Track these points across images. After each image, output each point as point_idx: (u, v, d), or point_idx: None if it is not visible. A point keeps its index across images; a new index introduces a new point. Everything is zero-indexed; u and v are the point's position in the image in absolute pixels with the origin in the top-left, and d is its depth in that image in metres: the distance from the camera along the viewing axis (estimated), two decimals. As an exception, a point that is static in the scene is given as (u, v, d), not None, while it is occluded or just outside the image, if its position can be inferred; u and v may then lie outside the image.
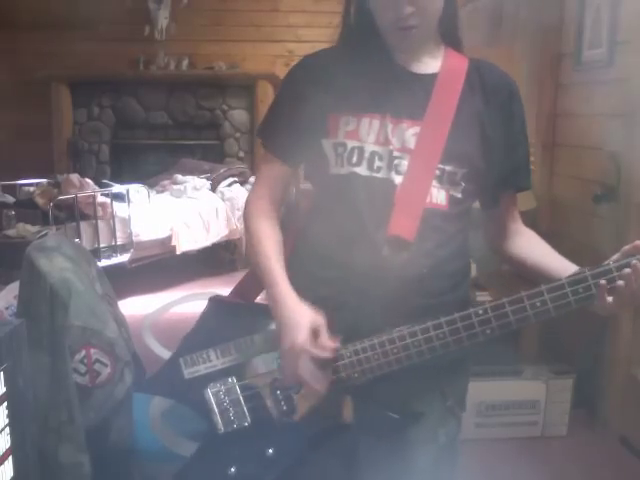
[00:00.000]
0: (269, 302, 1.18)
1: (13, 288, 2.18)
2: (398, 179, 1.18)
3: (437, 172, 1.18)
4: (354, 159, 1.19)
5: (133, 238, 4.30)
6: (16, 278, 1.81)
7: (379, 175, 1.18)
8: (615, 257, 1.09)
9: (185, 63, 5.71)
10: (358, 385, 1.13)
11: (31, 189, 4.54)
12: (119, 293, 1.86)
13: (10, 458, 0.87)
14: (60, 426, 1.44)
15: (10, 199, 4.56)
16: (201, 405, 1.19)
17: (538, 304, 1.07)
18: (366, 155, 1.19)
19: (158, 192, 4.97)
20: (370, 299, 1.15)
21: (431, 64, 1.24)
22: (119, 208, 4.26)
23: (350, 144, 1.20)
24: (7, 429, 0.86)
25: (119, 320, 1.66)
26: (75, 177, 4.47)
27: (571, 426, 2.47)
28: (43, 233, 3.77)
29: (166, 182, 5.13)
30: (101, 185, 4.60)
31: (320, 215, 1.27)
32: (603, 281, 1.05)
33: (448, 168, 1.19)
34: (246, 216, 1.31)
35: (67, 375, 1.47)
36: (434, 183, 1.18)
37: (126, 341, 1.60)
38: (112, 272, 3.16)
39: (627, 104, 2.30)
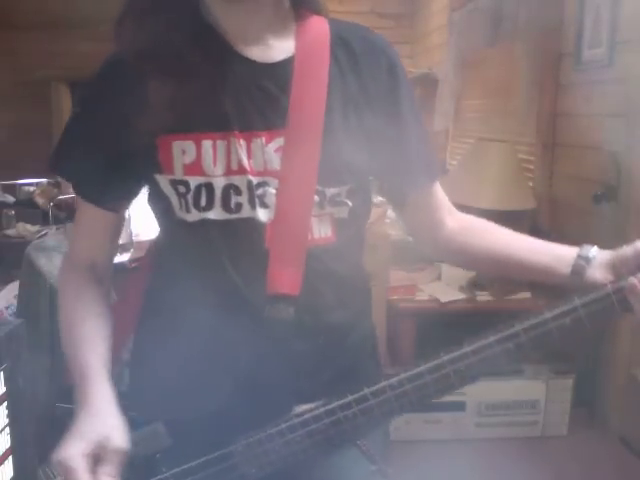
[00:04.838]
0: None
1: (13, 288, 2.18)
2: (266, 215, 0.88)
3: (316, 198, 0.89)
4: (203, 201, 0.88)
5: (133, 238, 4.29)
6: (16, 278, 1.82)
7: (240, 215, 0.88)
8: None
9: (185, 63, 5.71)
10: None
11: (31, 189, 4.54)
12: (119, 292, 1.86)
13: (10, 458, 0.87)
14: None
15: (10, 199, 4.56)
16: None
17: (462, 368, 0.86)
18: (218, 193, 0.87)
19: (158, 192, 4.97)
20: (255, 375, 0.88)
21: (282, 46, 0.91)
22: (119, 208, 4.26)
23: (193, 182, 0.87)
24: (7, 429, 0.86)
25: (119, 320, 1.66)
26: (75, 177, 4.47)
27: (571, 426, 2.46)
28: (43, 233, 3.77)
29: (166, 182, 5.13)
30: (101, 185, 4.59)
31: (172, 271, 0.96)
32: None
33: (330, 190, 0.89)
34: (58, 289, 1.03)
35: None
36: (314, 211, 0.89)
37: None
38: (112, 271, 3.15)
39: (627, 104, 2.30)
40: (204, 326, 0.90)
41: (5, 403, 0.86)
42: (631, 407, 2.38)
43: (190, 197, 0.88)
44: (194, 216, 0.88)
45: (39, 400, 1.35)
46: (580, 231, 2.61)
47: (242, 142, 0.86)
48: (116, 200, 0.95)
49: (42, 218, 4.20)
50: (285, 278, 0.88)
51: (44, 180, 4.61)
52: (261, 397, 0.88)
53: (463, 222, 1.05)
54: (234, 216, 0.88)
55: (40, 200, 4.26)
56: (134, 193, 0.96)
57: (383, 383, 0.85)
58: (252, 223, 0.88)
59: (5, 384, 0.86)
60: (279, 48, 0.90)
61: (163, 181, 0.89)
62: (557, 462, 2.32)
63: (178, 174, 0.87)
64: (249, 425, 0.87)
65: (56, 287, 1.53)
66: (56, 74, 5.65)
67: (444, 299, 2.49)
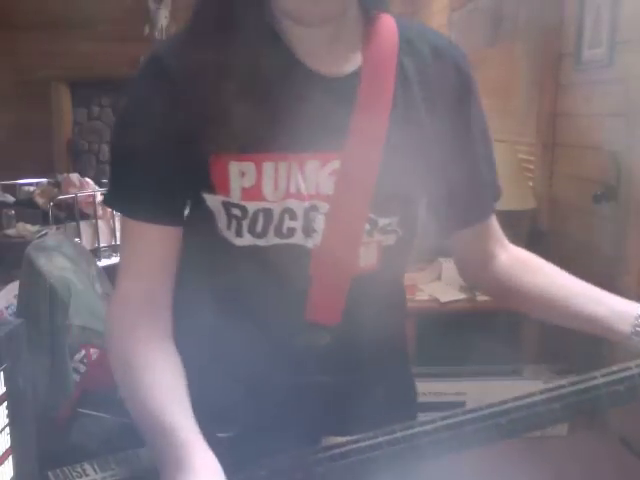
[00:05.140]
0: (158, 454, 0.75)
1: (13, 288, 2.18)
2: (312, 241, 0.82)
3: (367, 226, 0.83)
4: (259, 228, 0.81)
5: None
6: (16, 278, 1.82)
7: (290, 241, 0.82)
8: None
9: (185, 63, 5.74)
10: None
11: (31, 189, 4.55)
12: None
13: (10, 458, 0.87)
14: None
15: (10, 199, 4.56)
16: None
17: (504, 422, 0.79)
18: (275, 218, 0.81)
19: (158, 192, 4.97)
20: (285, 402, 0.84)
21: (351, 57, 0.82)
22: (119, 208, 4.26)
23: (252, 207, 0.80)
24: (7, 429, 0.86)
25: (119, 320, 1.65)
26: (75, 177, 4.48)
27: (571, 426, 2.46)
28: (43, 233, 3.77)
29: (166, 182, 5.14)
30: (101, 185, 4.61)
31: (202, 286, 0.87)
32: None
33: (382, 220, 0.83)
34: (111, 337, 0.84)
35: (67, 375, 1.47)
36: (362, 239, 0.83)
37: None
38: (112, 272, 3.16)
39: (627, 104, 2.30)
40: (234, 347, 0.85)
41: (5, 403, 0.86)
42: (631, 407, 2.38)
43: (246, 223, 0.80)
44: (245, 241, 0.82)
45: (39, 400, 1.35)
46: (580, 231, 2.61)
47: (298, 164, 0.79)
48: (177, 212, 0.85)
49: (42, 218, 4.20)
50: (326, 307, 0.83)
51: (44, 180, 4.62)
52: (289, 424, 0.83)
53: (516, 257, 0.98)
54: (284, 241, 0.82)
55: (40, 200, 4.27)
56: (185, 205, 0.88)
57: (417, 429, 0.80)
58: (300, 249, 0.82)
59: (5, 384, 0.86)
60: (347, 59, 0.82)
61: (213, 200, 0.81)
62: (557, 462, 2.32)
63: (234, 197, 0.79)
64: (273, 451, 0.81)
65: (56, 287, 1.53)
66: (56, 74, 5.66)
67: (444, 299, 2.49)
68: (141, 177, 0.82)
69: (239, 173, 0.78)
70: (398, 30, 0.85)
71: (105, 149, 6.00)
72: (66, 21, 5.52)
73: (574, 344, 2.84)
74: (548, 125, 2.88)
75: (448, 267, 2.65)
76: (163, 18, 5.68)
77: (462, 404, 2.42)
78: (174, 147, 0.79)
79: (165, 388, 0.77)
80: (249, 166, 0.78)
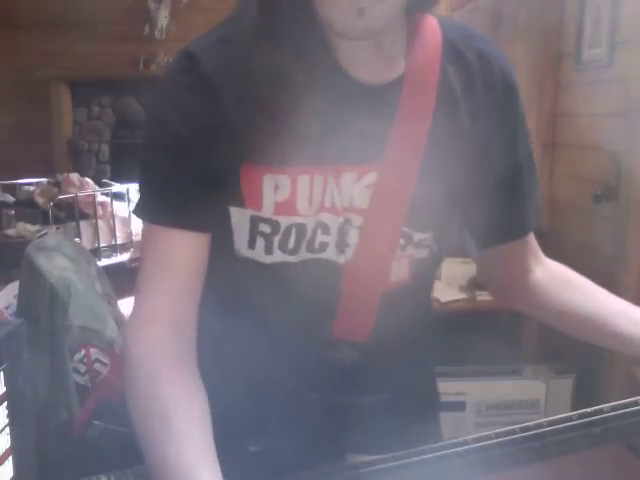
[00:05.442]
0: None
1: (13, 288, 2.18)
2: (344, 256, 0.78)
3: (401, 240, 0.79)
4: (291, 244, 0.77)
5: (133, 237, 4.30)
6: (16, 278, 1.82)
7: (321, 256, 0.78)
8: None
9: (185, 63, 5.74)
10: None
11: (31, 189, 4.55)
12: (119, 292, 1.86)
13: (10, 458, 0.87)
14: (60, 426, 1.44)
15: (10, 199, 4.56)
16: None
17: (537, 446, 0.79)
18: (308, 234, 0.77)
19: (158, 192, 4.97)
20: (311, 418, 0.82)
21: (392, 63, 0.78)
22: (119, 207, 4.27)
23: (285, 222, 0.76)
24: (7, 429, 0.86)
25: (119, 319, 1.66)
26: (75, 176, 4.48)
27: (571, 426, 2.46)
28: (43, 233, 3.77)
29: (166, 182, 5.13)
30: (101, 184, 4.61)
31: (222, 302, 0.82)
32: None
33: (418, 235, 0.79)
34: (131, 365, 0.74)
35: (67, 375, 1.47)
36: (395, 253, 0.80)
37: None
38: (112, 271, 3.16)
39: (627, 104, 2.30)
40: (260, 363, 0.81)
41: (5, 403, 0.86)
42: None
43: (277, 239, 0.76)
44: (275, 258, 0.77)
45: (39, 400, 1.35)
46: (580, 231, 2.61)
47: (334, 176, 0.75)
48: (207, 216, 0.78)
49: (42, 218, 4.20)
50: (355, 323, 0.80)
51: (44, 180, 4.62)
52: (314, 440, 0.80)
53: (552, 272, 0.93)
54: (315, 256, 0.78)
55: (40, 200, 4.27)
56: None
57: (449, 450, 0.76)
58: (331, 264, 0.78)
59: (5, 384, 0.86)
60: (390, 66, 0.78)
61: (240, 215, 0.76)
62: (557, 462, 2.32)
63: (266, 212, 0.75)
64: (296, 467, 0.76)
65: (56, 287, 1.53)
66: (56, 74, 5.65)
67: (444, 299, 2.49)
68: (171, 179, 0.76)
69: (273, 187, 0.74)
70: (442, 33, 0.80)
71: (105, 149, 5.99)
72: (66, 21, 5.51)
73: (574, 344, 2.84)
74: (548, 125, 2.88)
75: (448, 267, 2.65)
76: (163, 18, 5.68)
77: (462, 404, 2.42)
78: (207, 150, 0.74)
79: (190, 440, 0.68)
80: (284, 179, 0.74)
